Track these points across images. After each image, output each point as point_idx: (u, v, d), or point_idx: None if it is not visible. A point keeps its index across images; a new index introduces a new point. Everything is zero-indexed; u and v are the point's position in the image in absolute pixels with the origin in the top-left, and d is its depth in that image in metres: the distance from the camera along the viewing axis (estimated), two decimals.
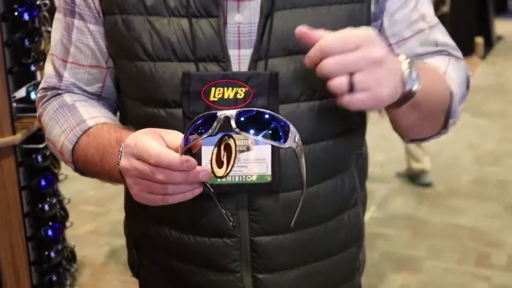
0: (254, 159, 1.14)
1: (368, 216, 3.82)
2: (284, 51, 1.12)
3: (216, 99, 1.10)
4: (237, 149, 0.92)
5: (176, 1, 1.11)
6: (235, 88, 1.10)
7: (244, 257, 1.19)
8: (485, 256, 3.43)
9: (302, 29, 1.00)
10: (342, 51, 0.96)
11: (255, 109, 0.91)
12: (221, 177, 0.93)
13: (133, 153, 0.98)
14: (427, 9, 1.22)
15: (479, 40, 7.65)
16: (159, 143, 0.97)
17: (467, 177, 4.43)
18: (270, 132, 0.90)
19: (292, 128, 0.91)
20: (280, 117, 0.91)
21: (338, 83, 0.97)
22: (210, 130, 0.91)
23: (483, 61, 7.55)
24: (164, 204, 1.00)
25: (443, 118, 1.20)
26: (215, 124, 0.91)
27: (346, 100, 0.98)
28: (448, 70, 1.20)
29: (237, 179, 1.13)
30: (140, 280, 1.36)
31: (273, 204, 1.17)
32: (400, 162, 4.59)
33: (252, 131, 0.90)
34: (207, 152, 0.99)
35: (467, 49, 7.50)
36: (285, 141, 0.90)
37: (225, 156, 0.92)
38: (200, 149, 1.06)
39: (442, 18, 5.88)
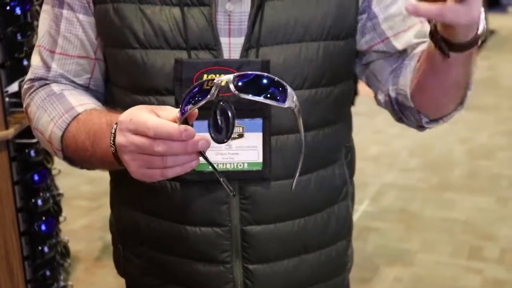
0: (246, 146, 1.14)
1: (361, 210, 3.83)
2: (275, 40, 1.13)
3: (208, 86, 1.11)
4: (235, 113, 0.92)
5: None
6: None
7: (235, 247, 1.19)
8: (478, 249, 3.44)
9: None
10: None
11: (253, 72, 0.92)
12: (221, 142, 0.93)
13: (129, 128, 0.97)
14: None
15: None
16: (154, 116, 0.96)
17: (459, 170, 4.44)
18: (269, 94, 0.91)
19: (289, 89, 0.92)
20: (278, 79, 0.91)
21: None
22: (208, 96, 0.90)
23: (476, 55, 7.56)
24: (163, 179, 0.99)
25: (463, 96, 1.19)
26: (213, 89, 0.90)
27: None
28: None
29: (228, 166, 1.14)
30: (126, 278, 1.35)
31: (264, 193, 1.17)
32: (393, 156, 4.60)
33: (250, 94, 0.90)
34: (200, 125, 0.99)
35: None
36: (284, 101, 0.91)
37: (223, 122, 0.92)
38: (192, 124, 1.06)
39: None
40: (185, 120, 0.93)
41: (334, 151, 1.24)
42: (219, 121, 0.92)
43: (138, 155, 0.98)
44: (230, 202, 1.17)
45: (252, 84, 0.90)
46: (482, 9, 0.96)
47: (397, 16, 1.21)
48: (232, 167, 1.14)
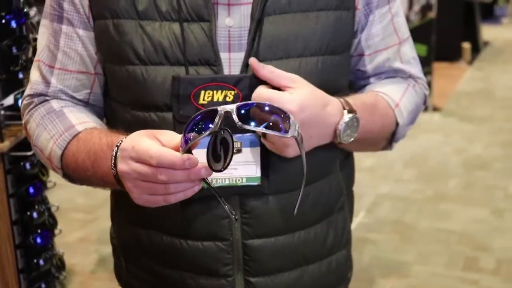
0: (244, 162, 1.15)
1: (357, 221, 3.83)
2: (275, 55, 1.14)
3: (205, 102, 1.11)
4: (234, 142, 0.94)
5: (168, 5, 1.12)
6: (224, 91, 1.11)
7: (237, 261, 1.20)
8: (473, 260, 3.44)
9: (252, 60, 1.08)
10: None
11: (255, 101, 0.93)
12: (219, 171, 0.94)
13: (132, 156, 0.98)
14: (401, 22, 1.29)
15: (466, 45, 7.70)
16: (157, 143, 0.97)
17: (454, 181, 4.45)
18: (271, 123, 0.92)
19: (292, 117, 0.93)
20: (280, 107, 0.93)
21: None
22: (212, 126, 0.92)
23: (470, 66, 7.60)
24: (166, 204, 1.01)
25: (385, 143, 1.30)
26: (216, 119, 0.92)
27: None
28: (402, 101, 1.27)
29: (227, 181, 1.14)
30: None
31: (264, 207, 1.18)
32: (388, 167, 4.60)
33: (253, 124, 0.91)
34: (198, 153, 0.99)
35: (454, 55, 7.55)
36: (286, 131, 0.93)
37: (221, 150, 0.93)
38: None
39: (429, 24, 5.91)
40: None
41: (329, 163, 1.25)
42: (218, 150, 0.93)
43: (140, 183, 0.99)
44: (230, 216, 1.17)
45: (254, 113, 0.92)
46: (342, 129, 1.12)
47: (377, 37, 1.25)
48: (230, 182, 1.14)
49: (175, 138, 0.98)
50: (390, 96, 1.25)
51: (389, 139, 1.29)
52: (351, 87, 1.32)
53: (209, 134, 0.92)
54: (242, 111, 0.92)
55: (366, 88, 1.29)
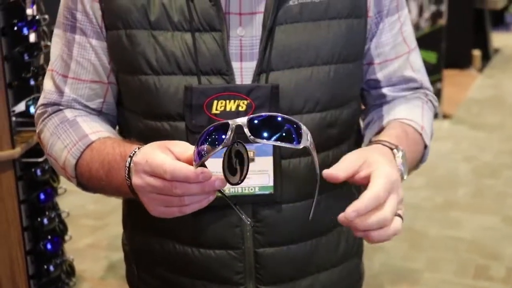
0: (257, 171, 1.15)
1: None
2: (287, 64, 1.14)
3: (218, 112, 1.11)
4: (249, 155, 0.93)
5: (180, 15, 1.13)
6: (237, 101, 1.12)
7: (248, 269, 1.20)
8: (484, 268, 3.43)
9: (326, 172, 1.04)
10: (376, 207, 1.01)
11: (266, 113, 0.93)
12: (236, 184, 0.94)
13: (145, 170, 0.98)
14: (410, 31, 1.29)
15: (477, 53, 7.68)
16: (170, 157, 0.97)
17: (464, 189, 4.43)
18: (284, 134, 0.92)
19: (303, 127, 0.93)
20: (291, 118, 0.93)
21: (397, 225, 1.07)
22: (224, 140, 0.92)
23: (480, 73, 7.57)
24: (181, 215, 1.01)
25: (417, 165, 1.30)
26: (229, 133, 0.91)
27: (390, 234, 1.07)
28: (424, 121, 1.27)
29: (240, 190, 1.14)
30: None
31: (276, 216, 1.18)
32: None
33: (266, 136, 0.91)
34: (212, 162, 0.99)
35: (464, 62, 7.53)
36: (299, 142, 0.93)
37: (237, 163, 0.93)
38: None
39: (439, 31, 5.90)
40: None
41: None
42: (234, 163, 0.93)
43: (155, 196, 1.00)
44: (243, 225, 1.18)
45: (266, 125, 0.92)
46: (403, 172, 1.10)
47: (387, 45, 1.25)
48: (243, 191, 1.15)
49: (188, 149, 0.98)
50: (414, 121, 1.24)
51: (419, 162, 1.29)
52: (363, 96, 1.32)
53: (222, 149, 0.92)
54: (254, 124, 0.92)
55: (384, 110, 1.28)
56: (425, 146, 1.26)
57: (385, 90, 1.29)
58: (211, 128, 0.94)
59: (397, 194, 1.03)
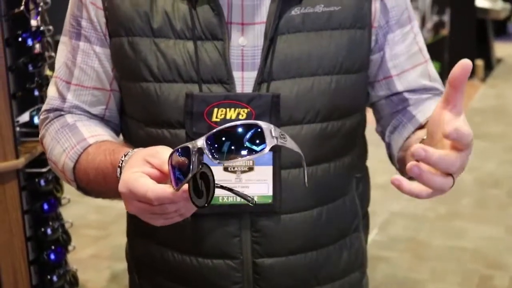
0: (256, 180, 1.15)
1: (370, 239, 3.80)
2: (288, 74, 1.14)
3: (218, 119, 1.12)
4: (214, 177, 0.87)
5: (183, 24, 1.13)
6: (237, 109, 1.12)
7: (246, 279, 1.20)
8: (488, 279, 3.42)
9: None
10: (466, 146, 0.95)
11: (219, 127, 0.88)
12: (202, 207, 0.89)
13: (133, 198, 0.97)
14: (423, 43, 1.28)
15: (479, 62, 7.68)
16: (150, 181, 0.94)
17: (467, 199, 4.42)
18: (247, 144, 0.86)
19: (263, 125, 0.87)
20: (245, 121, 0.88)
21: (447, 184, 1.01)
22: (191, 168, 0.88)
23: (483, 83, 7.58)
24: (183, 219, 1.00)
25: None
26: (193, 159, 0.88)
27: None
28: None
29: (238, 199, 1.13)
30: None
31: (275, 226, 1.18)
32: None
33: (230, 154, 0.86)
34: None
35: None
36: (264, 146, 0.86)
37: (203, 185, 0.88)
38: None
39: (442, 41, 5.92)
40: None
41: (345, 183, 1.25)
42: (200, 185, 0.88)
43: (152, 215, 0.99)
44: (241, 235, 1.17)
45: (226, 140, 0.87)
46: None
47: (402, 55, 1.24)
48: (242, 200, 1.15)
49: (165, 158, 0.94)
50: None
51: None
52: (381, 106, 1.28)
53: (194, 175, 0.88)
54: (213, 146, 0.87)
55: (413, 110, 1.24)
56: None
57: (406, 95, 1.25)
58: (177, 153, 0.90)
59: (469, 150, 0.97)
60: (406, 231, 3.97)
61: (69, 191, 1.31)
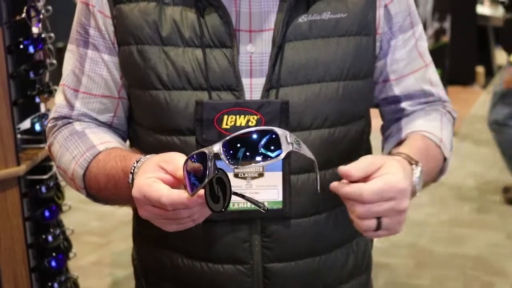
0: (266, 186, 1.15)
1: None
2: (296, 80, 1.15)
3: (228, 126, 1.13)
4: (230, 182, 0.90)
5: (191, 32, 1.14)
6: (247, 116, 1.13)
7: (257, 284, 1.20)
8: (489, 285, 3.41)
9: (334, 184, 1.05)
10: (378, 202, 1.00)
11: (236, 133, 0.90)
12: (219, 212, 0.91)
13: (147, 203, 0.98)
14: (425, 47, 1.29)
15: (480, 69, 7.69)
16: (165, 187, 0.96)
17: (469, 206, 4.42)
18: (262, 150, 0.89)
19: (279, 131, 0.90)
20: (262, 127, 0.91)
21: (368, 225, 1.02)
22: (207, 173, 0.89)
23: (484, 90, 7.58)
24: (195, 224, 1.01)
25: (436, 178, 1.29)
26: (209, 165, 0.90)
27: (369, 235, 1.05)
28: (443, 134, 1.26)
29: (249, 205, 1.15)
30: None
31: (285, 231, 1.19)
32: None
33: (246, 159, 0.89)
34: None
35: (468, 79, 7.55)
36: (280, 152, 0.89)
37: (219, 190, 0.90)
38: None
39: (443, 48, 5.92)
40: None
41: None
42: (216, 191, 0.91)
43: (165, 220, 1.00)
44: (251, 240, 1.18)
45: (242, 146, 0.89)
46: (417, 184, 1.09)
47: (402, 61, 1.26)
48: (252, 206, 1.15)
49: (179, 164, 0.96)
50: (433, 133, 1.24)
51: (439, 173, 1.28)
52: (381, 112, 1.32)
53: (210, 181, 0.90)
54: (230, 148, 0.89)
55: (403, 123, 1.28)
56: (445, 159, 1.26)
57: (403, 105, 1.29)
58: (192, 159, 0.92)
59: (397, 203, 1.02)
60: (408, 238, 3.97)
61: (70, 198, 1.30)
